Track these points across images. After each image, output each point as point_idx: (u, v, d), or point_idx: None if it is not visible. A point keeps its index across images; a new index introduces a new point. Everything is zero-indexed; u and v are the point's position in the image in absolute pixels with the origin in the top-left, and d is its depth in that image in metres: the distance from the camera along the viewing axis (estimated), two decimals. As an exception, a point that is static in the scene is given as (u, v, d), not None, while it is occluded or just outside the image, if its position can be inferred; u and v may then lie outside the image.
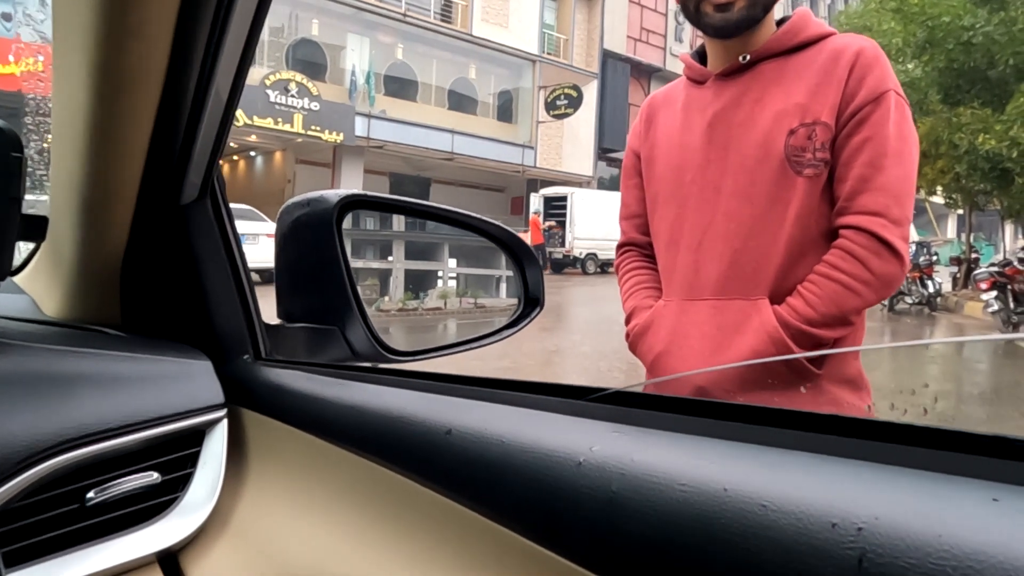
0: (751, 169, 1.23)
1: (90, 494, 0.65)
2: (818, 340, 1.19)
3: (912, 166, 1.20)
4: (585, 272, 22.47)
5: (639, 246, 1.50)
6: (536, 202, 23.53)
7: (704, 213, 1.29)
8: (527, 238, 21.22)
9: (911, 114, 1.22)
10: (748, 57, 1.27)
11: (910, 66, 13.06)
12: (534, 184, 25.59)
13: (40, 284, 0.98)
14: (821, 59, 1.22)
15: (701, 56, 1.39)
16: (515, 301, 1.17)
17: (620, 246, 1.55)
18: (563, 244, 22.52)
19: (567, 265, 22.61)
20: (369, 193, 1.01)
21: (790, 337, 1.18)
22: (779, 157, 1.21)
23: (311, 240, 0.92)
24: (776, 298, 1.23)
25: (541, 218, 22.53)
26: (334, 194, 0.93)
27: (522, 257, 1.14)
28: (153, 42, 0.63)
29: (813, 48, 1.25)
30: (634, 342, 1.40)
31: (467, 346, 1.06)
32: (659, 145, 1.40)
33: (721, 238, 1.26)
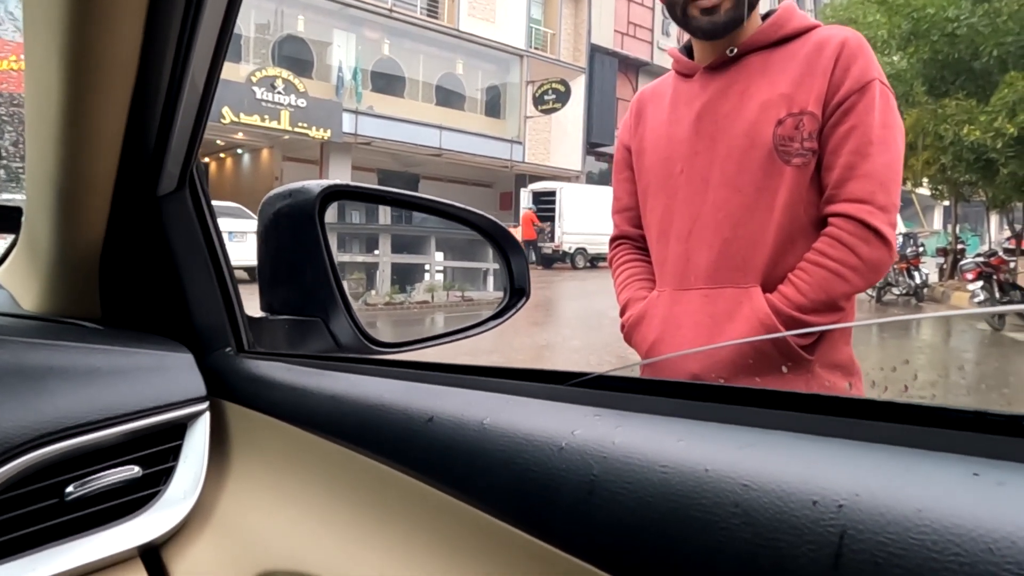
0: (738, 159, 1.25)
1: (69, 488, 0.64)
2: (809, 326, 1.22)
3: (897, 153, 1.22)
4: (574, 267, 22.48)
5: (632, 239, 1.52)
6: (525, 198, 23.48)
7: (693, 204, 1.30)
8: (517, 233, 21.17)
9: (896, 103, 1.24)
10: (735, 50, 1.29)
11: (895, 58, 13.11)
12: (522, 179, 25.56)
13: (18, 278, 0.97)
14: (805, 50, 1.24)
15: (689, 50, 1.41)
16: (502, 294, 1.16)
17: (613, 239, 1.58)
18: (552, 239, 22.52)
19: (556, 260, 22.61)
20: (352, 183, 1.00)
21: (781, 324, 1.20)
22: (767, 147, 1.23)
23: (293, 231, 0.92)
24: (767, 286, 1.24)
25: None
26: (316, 185, 0.92)
27: (507, 247, 1.14)
28: (124, 30, 0.62)
29: (798, 40, 1.27)
30: (629, 333, 1.43)
31: (453, 337, 1.06)
32: (648, 138, 1.42)
33: (710, 227, 1.28)
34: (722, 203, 1.27)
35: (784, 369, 1.24)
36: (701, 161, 1.30)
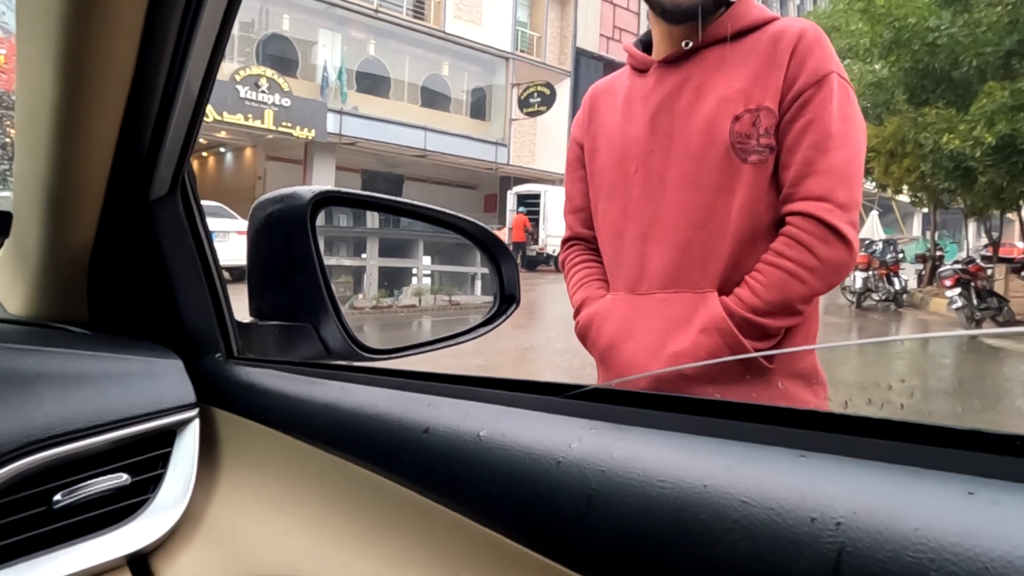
0: (696, 157, 1.21)
1: (57, 496, 0.63)
2: (765, 329, 1.17)
3: (857, 148, 1.17)
4: (558, 269, 22.41)
5: (586, 240, 1.47)
6: (511, 200, 23.47)
7: (649, 204, 1.26)
8: (504, 235, 21.15)
9: (855, 97, 1.20)
10: (690, 44, 1.25)
11: (877, 66, 13.26)
12: (507, 182, 25.56)
13: (4, 281, 0.96)
14: (762, 43, 1.20)
15: (646, 45, 1.36)
16: (490, 298, 1.16)
17: (565, 241, 1.53)
18: (536, 241, 22.50)
19: (540, 262, 22.61)
20: (343, 189, 1.00)
21: (736, 327, 1.16)
22: (724, 144, 1.18)
23: (284, 237, 0.91)
24: (726, 289, 1.20)
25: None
26: (308, 190, 0.92)
27: (497, 254, 1.14)
28: (122, 33, 0.62)
29: (755, 33, 1.22)
30: (582, 333, 1.38)
31: (443, 343, 1.06)
32: (601, 136, 1.37)
33: (668, 229, 1.23)
34: (680, 204, 1.22)
35: (740, 375, 1.20)
36: (657, 160, 1.25)
